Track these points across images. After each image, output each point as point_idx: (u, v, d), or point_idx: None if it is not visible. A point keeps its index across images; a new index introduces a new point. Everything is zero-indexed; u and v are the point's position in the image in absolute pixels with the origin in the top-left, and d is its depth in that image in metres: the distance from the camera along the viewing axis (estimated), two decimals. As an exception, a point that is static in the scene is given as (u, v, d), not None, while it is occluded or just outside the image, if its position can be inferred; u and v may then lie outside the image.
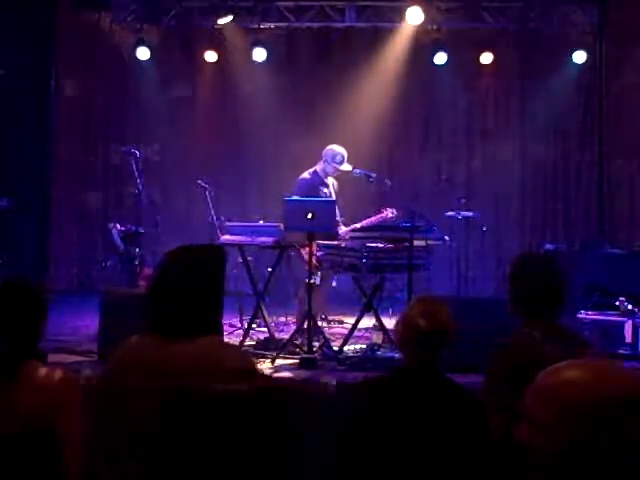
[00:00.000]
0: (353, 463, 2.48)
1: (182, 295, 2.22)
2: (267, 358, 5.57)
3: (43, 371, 2.38)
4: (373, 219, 6.57)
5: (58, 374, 2.38)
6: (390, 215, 6.47)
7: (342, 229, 6.57)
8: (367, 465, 2.44)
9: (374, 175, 6.40)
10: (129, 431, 2.12)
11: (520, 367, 2.66)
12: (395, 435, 2.41)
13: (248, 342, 6.09)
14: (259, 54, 9.06)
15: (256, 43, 9.03)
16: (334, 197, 6.65)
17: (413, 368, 2.54)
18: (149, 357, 2.18)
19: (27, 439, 2.27)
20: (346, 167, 6.53)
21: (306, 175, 6.62)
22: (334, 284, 6.83)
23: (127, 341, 2.28)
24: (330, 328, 6.92)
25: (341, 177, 6.81)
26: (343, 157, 6.54)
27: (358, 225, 6.50)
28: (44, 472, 2.28)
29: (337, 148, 6.58)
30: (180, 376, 2.14)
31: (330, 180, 6.71)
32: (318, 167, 6.64)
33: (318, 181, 6.59)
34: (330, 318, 7.11)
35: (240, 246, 6.37)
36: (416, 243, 5.61)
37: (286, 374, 5.23)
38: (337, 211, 6.59)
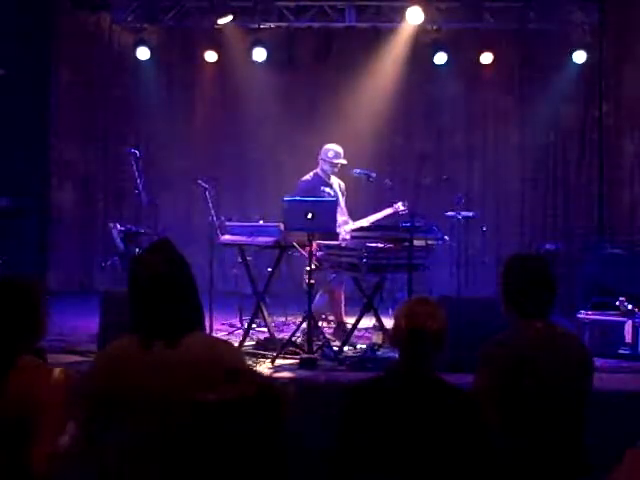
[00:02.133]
0: (345, 464, 2.47)
1: (162, 296, 2.24)
2: (267, 358, 5.57)
3: (34, 368, 2.38)
4: (386, 212, 6.58)
5: (48, 371, 2.38)
6: (402, 208, 6.47)
7: (350, 225, 6.57)
8: (358, 467, 2.44)
9: (374, 175, 6.40)
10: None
11: (508, 365, 2.67)
12: (383, 436, 2.41)
13: (248, 342, 6.09)
14: (259, 54, 9.06)
15: (256, 43, 9.04)
16: (339, 197, 6.67)
17: (402, 368, 2.54)
18: (142, 362, 2.19)
19: (14, 434, 2.27)
20: (341, 161, 6.58)
21: (307, 177, 6.65)
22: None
23: (112, 346, 2.29)
24: (330, 328, 6.91)
25: (342, 177, 6.82)
26: (335, 152, 6.56)
27: (369, 220, 6.52)
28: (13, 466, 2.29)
29: (330, 145, 6.63)
30: (176, 380, 2.16)
31: (335, 180, 6.72)
32: (318, 168, 6.67)
33: (320, 182, 6.60)
34: (330, 318, 7.11)
35: (240, 246, 6.38)
36: (416, 243, 5.61)
37: (286, 374, 5.23)
38: (343, 210, 6.61)
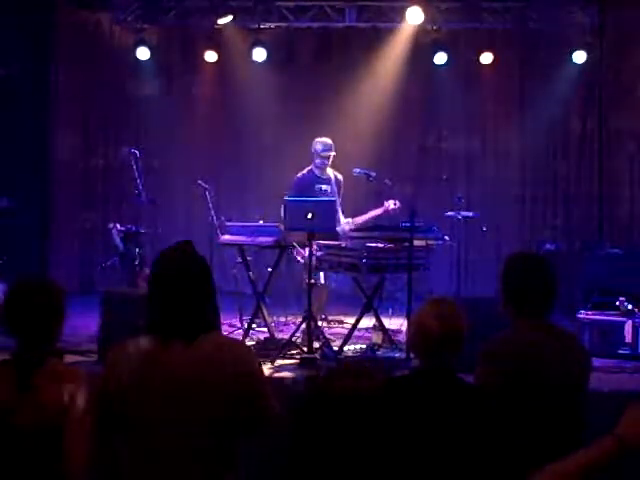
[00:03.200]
0: (369, 463, 2.46)
1: (184, 295, 2.27)
2: (267, 358, 5.56)
3: (60, 369, 2.41)
4: (376, 211, 6.59)
5: (74, 372, 2.42)
6: (392, 207, 6.47)
7: (342, 222, 6.57)
8: (382, 466, 2.42)
9: (374, 174, 6.40)
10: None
11: (508, 365, 2.67)
12: (411, 437, 2.38)
13: (248, 342, 6.09)
14: (259, 54, 9.06)
15: (256, 43, 9.03)
16: (336, 192, 6.67)
17: (429, 370, 2.53)
18: (160, 361, 2.20)
19: (42, 435, 2.29)
20: (331, 153, 6.57)
21: (301, 173, 6.67)
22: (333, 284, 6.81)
23: (126, 345, 2.29)
24: (330, 328, 6.92)
25: (342, 175, 6.82)
26: (323, 145, 6.57)
27: (360, 219, 6.52)
28: (52, 468, 2.30)
29: (319, 139, 6.65)
30: (187, 380, 2.17)
31: (331, 174, 6.72)
32: (312, 164, 6.67)
33: (314, 179, 6.61)
34: (330, 318, 7.11)
35: (240, 246, 6.38)
36: (416, 243, 5.60)
37: (286, 374, 5.23)
38: (339, 208, 6.61)
